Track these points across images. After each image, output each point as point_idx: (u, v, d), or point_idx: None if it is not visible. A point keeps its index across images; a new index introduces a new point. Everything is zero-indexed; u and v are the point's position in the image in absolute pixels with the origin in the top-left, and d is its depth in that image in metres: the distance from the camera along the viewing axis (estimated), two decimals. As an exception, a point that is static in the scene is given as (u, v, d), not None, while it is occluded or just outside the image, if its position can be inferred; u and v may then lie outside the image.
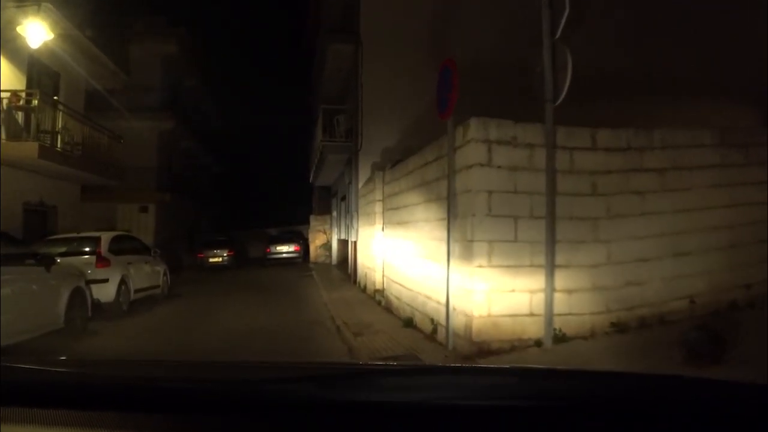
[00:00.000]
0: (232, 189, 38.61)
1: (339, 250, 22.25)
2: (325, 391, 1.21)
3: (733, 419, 1.07)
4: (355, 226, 14.49)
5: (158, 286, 12.89)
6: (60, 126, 13.79)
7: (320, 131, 16.19)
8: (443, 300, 6.28)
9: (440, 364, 3.87)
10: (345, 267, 18.16)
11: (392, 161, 10.31)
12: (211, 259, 24.08)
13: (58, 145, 13.59)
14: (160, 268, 13.22)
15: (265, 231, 29.73)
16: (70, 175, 14.38)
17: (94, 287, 9.61)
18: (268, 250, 25.14)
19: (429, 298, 7.23)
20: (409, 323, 8.08)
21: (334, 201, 24.06)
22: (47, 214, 13.91)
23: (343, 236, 20.38)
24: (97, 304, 9.51)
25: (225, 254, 24.13)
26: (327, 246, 25.14)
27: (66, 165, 13.47)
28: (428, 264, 7.22)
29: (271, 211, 39.25)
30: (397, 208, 9.34)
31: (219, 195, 35.03)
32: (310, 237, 26.63)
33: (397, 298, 9.14)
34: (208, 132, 31.22)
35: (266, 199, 39.88)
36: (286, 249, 25.22)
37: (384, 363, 3.55)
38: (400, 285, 8.88)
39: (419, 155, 7.86)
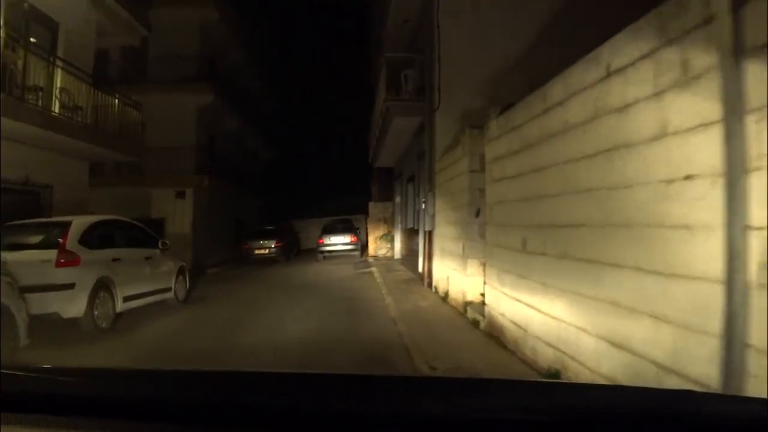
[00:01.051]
0: (284, 176, 35.77)
1: (404, 242, 18.72)
2: (328, 402, 1.19)
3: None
4: (429, 211, 10.84)
5: (168, 289, 9.74)
6: (57, 86, 10.88)
7: (383, 89, 12.59)
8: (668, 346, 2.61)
9: (449, 376, 3.10)
10: (412, 263, 14.60)
11: (499, 106, 6.58)
12: (256, 251, 21.10)
13: (55, 109, 10.68)
14: (172, 266, 10.02)
15: (320, 221, 26.67)
16: (71, 148, 11.44)
17: (52, 297, 6.49)
18: (320, 241, 21.90)
19: (621, 344, 3.51)
20: (554, 376, 4.43)
21: (397, 185, 20.51)
22: (39, 195, 11.00)
23: (409, 225, 16.82)
24: (53, 320, 6.45)
25: (272, 246, 21.12)
26: (388, 237, 21.66)
27: (62, 133, 10.52)
28: (625, 274, 3.47)
29: (327, 200, 36.24)
30: (519, 176, 5.61)
31: (269, 182, 32.18)
32: (369, 227, 23.21)
33: (521, 327, 5.45)
34: (256, 114, 28.40)
35: (321, 186, 36.77)
36: (341, 240, 21.90)
37: (394, 373, 2.85)
38: (532, 307, 5.17)
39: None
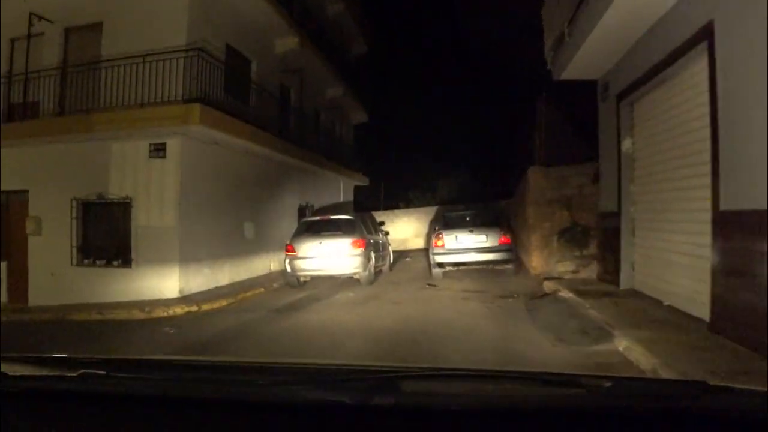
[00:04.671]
0: (378, 147, 25.47)
1: (651, 246, 7.54)
2: (338, 394, 1.20)
3: (756, 425, 1.06)
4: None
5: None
6: None
7: None
8: None
9: (454, 367, 2.60)
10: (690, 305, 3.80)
11: None
12: (308, 261, 10.73)
13: None
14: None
15: (422, 212, 16.31)
16: None
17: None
18: (437, 242, 11.22)
19: None
20: None
21: (621, 114, 9.22)
22: None
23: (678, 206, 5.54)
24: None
25: (345, 250, 10.68)
26: (578, 235, 10.57)
27: None
28: None
29: (441, 181, 25.52)
30: None
31: (356, 155, 22.10)
32: (532, 216, 12.16)
33: None
34: (340, 56, 18.58)
35: (434, 162, 26.03)
36: (480, 242, 11.11)
37: (402, 365, 2.01)
38: None
39: None
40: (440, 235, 11.24)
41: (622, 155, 8.31)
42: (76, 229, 10.28)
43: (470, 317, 7.15)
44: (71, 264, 10.23)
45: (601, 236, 9.92)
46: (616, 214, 8.51)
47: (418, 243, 20.81)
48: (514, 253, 11.33)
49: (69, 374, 1.34)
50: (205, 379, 1.43)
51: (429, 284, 10.58)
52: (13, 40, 11.14)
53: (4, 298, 11.23)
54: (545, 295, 8.77)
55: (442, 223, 11.90)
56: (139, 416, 1.17)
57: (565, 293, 8.22)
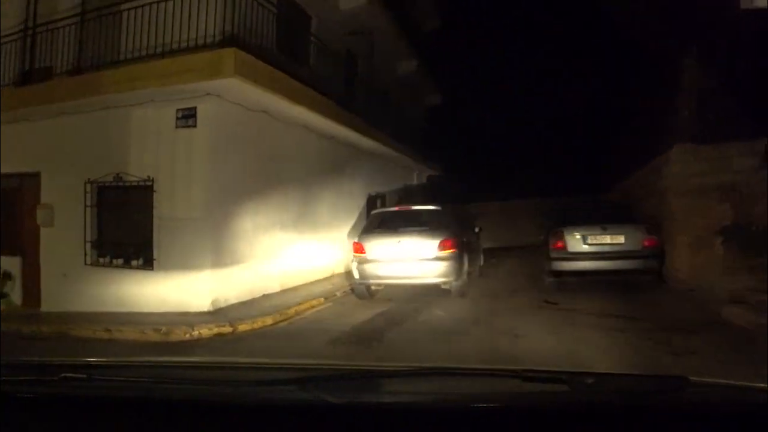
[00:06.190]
0: (452, 132, 22.48)
1: None
2: (327, 393, 1.18)
3: (737, 420, 1.06)
4: None
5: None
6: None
7: None
8: None
9: (438, 365, 2.01)
10: None
11: None
12: (386, 265, 8.01)
13: None
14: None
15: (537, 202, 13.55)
16: None
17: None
18: (557, 244, 8.26)
19: None
20: None
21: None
22: None
23: None
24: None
25: (432, 252, 7.88)
26: (757, 237, 7.45)
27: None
28: None
29: (519, 171, 22.21)
30: None
31: (438, 139, 19.35)
32: (676, 211, 9.09)
33: None
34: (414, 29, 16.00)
35: (513, 150, 22.81)
36: (616, 244, 8.10)
37: (389, 365, 2.15)
38: None
39: None
40: (560, 234, 8.30)
41: None
42: (91, 219, 8.14)
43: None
44: (85, 263, 8.10)
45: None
46: None
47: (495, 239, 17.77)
48: (660, 260, 8.25)
49: (50, 378, 1.33)
50: (189, 380, 1.43)
51: (547, 301, 7.72)
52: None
53: (19, 300, 9.33)
54: (740, 329, 5.77)
55: (560, 218, 8.89)
56: (122, 419, 1.15)
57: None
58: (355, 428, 1.09)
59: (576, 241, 8.21)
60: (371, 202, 12.73)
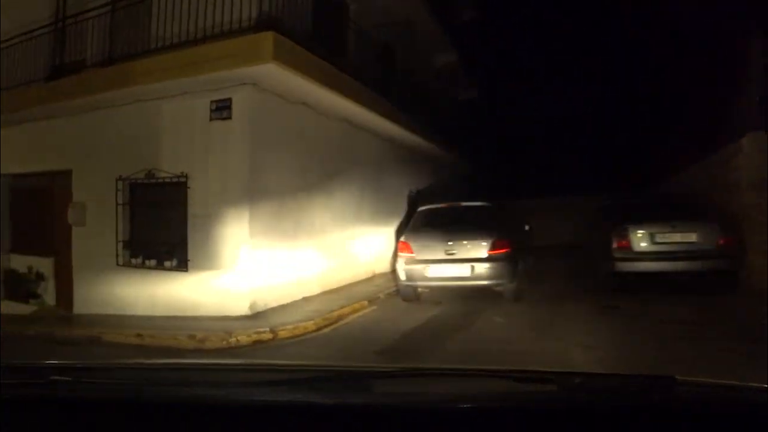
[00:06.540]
0: (496, 125, 21.71)
1: None
2: (318, 395, 1.20)
3: (725, 419, 1.06)
4: None
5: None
6: None
7: None
8: None
9: (426, 366, 2.13)
10: None
11: None
12: (429, 267, 7.40)
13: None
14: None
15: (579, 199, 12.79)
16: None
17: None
18: (623, 242, 7.51)
19: None
20: None
21: None
22: None
23: None
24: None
25: (484, 251, 7.29)
26: None
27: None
28: None
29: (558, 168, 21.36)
30: None
31: (473, 135, 18.62)
32: (752, 207, 8.26)
33: None
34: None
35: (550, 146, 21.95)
36: (687, 243, 7.33)
37: (379, 366, 2.38)
38: None
39: None
40: (624, 233, 7.57)
41: None
42: (123, 218, 7.77)
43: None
44: (116, 264, 7.73)
45: None
46: None
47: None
48: (737, 260, 7.45)
49: (37, 381, 1.32)
50: (178, 381, 1.41)
51: (607, 306, 7.03)
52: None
53: (52, 301, 9.06)
54: None
55: (618, 216, 8.09)
56: (110, 421, 1.14)
57: None
58: (342, 429, 1.09)
59: (642, 240, 7.46)
60: (412, 199, 12.14)
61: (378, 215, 10.71)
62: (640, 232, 7.48)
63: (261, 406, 1.15)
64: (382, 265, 10.55)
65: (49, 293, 9.06)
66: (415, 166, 13.16)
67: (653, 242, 7.43)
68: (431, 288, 7.74)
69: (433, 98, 14.42)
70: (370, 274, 10.09)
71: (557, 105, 22.24)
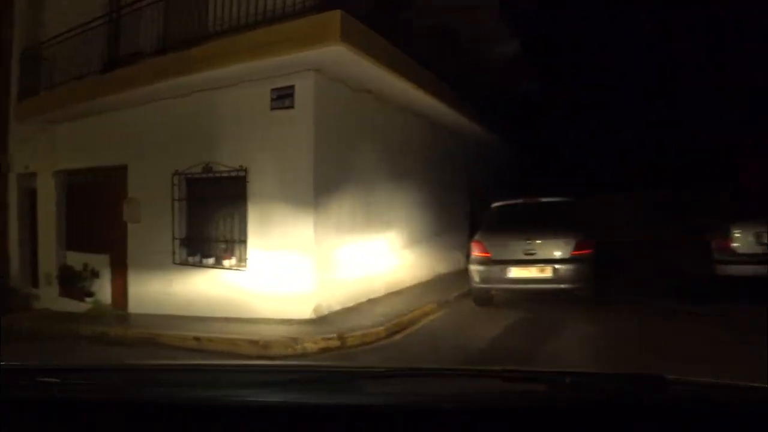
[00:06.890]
0: (558, 118, 20.72)
1: None
2: (315, 395, 1.19)
3: (715, 419, 1.06)
4: None
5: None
6: None
7: None
8: None
9: (416, 366, 1.87)
10: None
11: None
12: (504, 269, 6.69)
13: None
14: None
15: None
16: None
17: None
18: (725, 243, 6.69)
19: None
20: None
21: None
22: None
23: None
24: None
25: (565, 253, 6.58)
26: None
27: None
28: None
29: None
30: None
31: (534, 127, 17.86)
32: None
33: None
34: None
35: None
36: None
37: (375, 366, 2.15)
38: None
39: None
40: (726, 232, 6.73)
41: None
42: (179, 214, 7.43)
43: None
44: (173, 261, 7.40)
45: None
46: None
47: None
48: None
49: (24, 382, 1.30)
50: (166, 382, 1.38)
51: (689, 311, 6.26)
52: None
53: (107, 299, 8.85)
54: None
55: (729, 214, 7.25)
56: (98, 422, 1.12)
57: None
58: (338, 429, 1.08)
59: (748, 241, 6.62)
60: (477, 195, 11.46)
61: (442, 212, 10.12)
62: (744, 233, 6.61)
63: (257, 406, 1.13)
64: (445, 266, 9.96)
65: (103, 291, 8.85)
66: (474, 159, 12.49)
67: (760, 243, 6.56)
68: (507, 291, 7.10)
69: (495, 88, 13.71)
70: (433, 275, 9.51)
71: (622, 97, 21.05)
